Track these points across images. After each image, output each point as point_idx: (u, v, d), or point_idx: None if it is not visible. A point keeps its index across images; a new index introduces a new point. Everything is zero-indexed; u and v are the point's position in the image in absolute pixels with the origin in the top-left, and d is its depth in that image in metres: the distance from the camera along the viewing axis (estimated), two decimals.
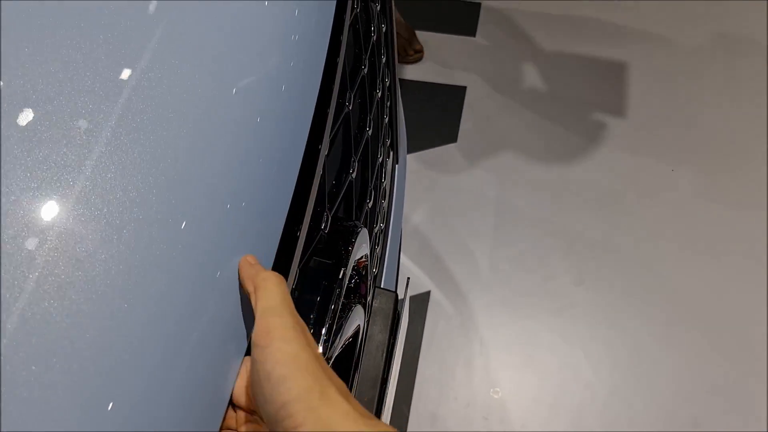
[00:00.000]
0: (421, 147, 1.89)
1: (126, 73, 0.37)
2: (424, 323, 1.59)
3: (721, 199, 1.77)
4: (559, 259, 1.67)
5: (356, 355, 0.59)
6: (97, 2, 0.39)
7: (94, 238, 0.32)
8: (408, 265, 1.68)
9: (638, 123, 1.94)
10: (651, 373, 1.49)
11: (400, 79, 2.02)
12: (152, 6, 0.41)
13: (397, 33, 2.04)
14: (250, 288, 0.39)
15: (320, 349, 0.50)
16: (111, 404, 0.30)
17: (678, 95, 2.02)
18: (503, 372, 1.51)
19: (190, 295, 0.36)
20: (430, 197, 1.80)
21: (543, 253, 1.68)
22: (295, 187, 0.47)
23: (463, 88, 2.04)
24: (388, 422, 0.76)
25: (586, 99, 2.00)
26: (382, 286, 0.83)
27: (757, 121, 1.95)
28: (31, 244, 0.31)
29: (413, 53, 2.08)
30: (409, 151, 1.86)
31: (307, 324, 0.50)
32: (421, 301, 1.62)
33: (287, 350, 0.36)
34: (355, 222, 0.53)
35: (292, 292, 0.46)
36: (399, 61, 2.07)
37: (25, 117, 0.34)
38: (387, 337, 0.76)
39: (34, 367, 0.28)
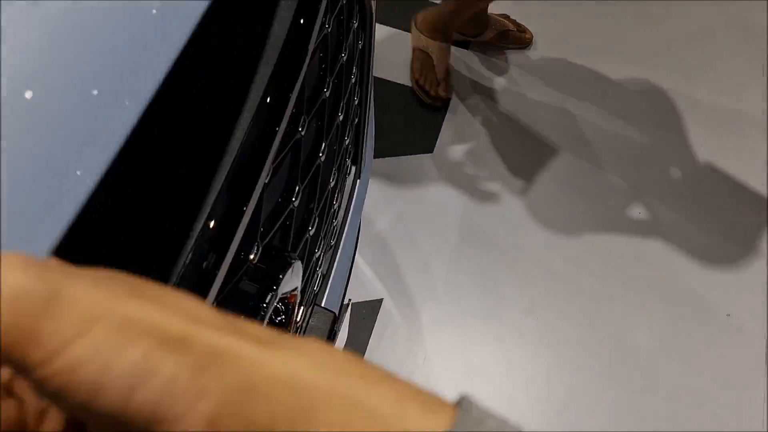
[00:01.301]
0: (396, 153, 1.87)
1: None
2: (371, 330, 1.58)
3: (683, 241, 1.79)
4: (513, 286, 1.67)
5: None
6: None
7: None
8: (365, 270, 1.67)
9: (628, 140, 1.95)
10: (588, 410, 1.50)
11: (383, 80, 1.99)
12: None
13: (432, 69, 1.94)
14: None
15: None
16: None
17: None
18: (441, 391, 1.50)
19: None
20: (396, 205, 1.78)
21: (498, 277, 1.68)
22: (225, 213, 0.45)
23: (447, 98, 2.02)
24: None
25: (574, 114, 1.99)
26: (323, 305, 0.81)
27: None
28: None
29: (435, 96, 1.94)
30: (383, 155, 1.84)
31: None
32: (372, 308, 1.61)
33: None
34: (290, 253, 0.51)
35: None
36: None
37: None
38: None
39: None
